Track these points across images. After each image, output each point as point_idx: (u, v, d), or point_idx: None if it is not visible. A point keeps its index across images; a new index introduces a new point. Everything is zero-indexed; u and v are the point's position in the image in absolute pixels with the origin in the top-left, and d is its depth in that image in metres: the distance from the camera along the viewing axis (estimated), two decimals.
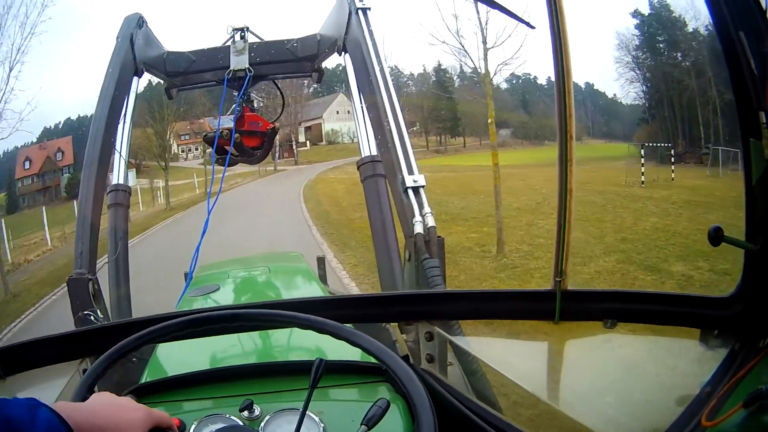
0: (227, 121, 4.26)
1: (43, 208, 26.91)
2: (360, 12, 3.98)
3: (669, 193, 20.58)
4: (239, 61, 4.34)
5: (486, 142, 49.56)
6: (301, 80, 33.03)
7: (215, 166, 4.34)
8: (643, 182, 23.59)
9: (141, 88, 4.45)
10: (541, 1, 1.83)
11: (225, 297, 3.48)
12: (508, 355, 2.25)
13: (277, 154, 43.68)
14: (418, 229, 3.21)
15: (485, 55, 14.15)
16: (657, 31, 38.34)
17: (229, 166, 4.40)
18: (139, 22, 4.37)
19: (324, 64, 4.71)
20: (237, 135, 4.20)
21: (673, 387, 1.88)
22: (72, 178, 35.49)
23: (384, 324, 2.72)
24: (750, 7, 1.42)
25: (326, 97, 53.99)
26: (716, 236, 1.58)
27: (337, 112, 53.58)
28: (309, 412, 1.48)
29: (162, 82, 4.89)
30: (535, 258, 12.27)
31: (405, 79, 54.40)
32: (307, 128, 54.46)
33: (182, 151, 49.99)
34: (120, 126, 4.09)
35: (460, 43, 14.75)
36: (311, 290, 3.68)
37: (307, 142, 54.83)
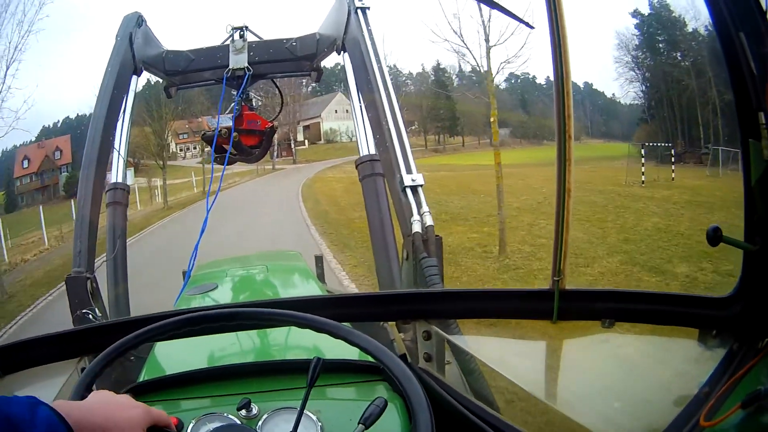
0: (226, 120, 4.26)
1: (40, 207, 26.77)
2: (359, 11, 3.98)
3: (670, 193, 20.53)
4: (238, 60, 4.34)
5: (484, 142, 49.69)
6: (299, 79, 33.02)
7: (214, 165, 4.34)
8: (643, 182, 23.55)
9: (139, 87, 4.45)
10: (540, 2, 1.83)
11: (223, 295, 3.48)
12: (506, 355, 2.25)
13: (275, 153, 43.62)
14: (416, 228, 3.21)
15: (488, 53, 13.88)
16: (657, 31, 38.37)
17: (227, 164, 4.40)
18: (139, 21, 4.37)
19: (323, 64, 4.71)
20: (236, 134, 4.20)
21: (672, 387, 1.88)
22: (70, 177, 35.48)
23: (382, 323, 2.72)
24: (750, 7, 1.42)
25: (325, 96, 54.00)
26: (715, 236, 1.58)
27: (336, 111, 53.61)
28: (306, 410, 1.48)
29: (161, 81, 4.89)
30: (537, 259, 12.16)
31: (404, 79, 54.51)
32: (306, 127, 54.47)
33: (180, 150, 50.01)
34: (119, 125, 4.10)
35: (462, 41, 14.48)
36: (309, 289, 3.68)
37: (306, 141, 54.84)
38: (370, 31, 3.95)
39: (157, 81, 5.12)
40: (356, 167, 3.89)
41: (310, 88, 50.64)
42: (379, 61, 3.83)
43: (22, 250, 22.74)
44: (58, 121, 41.09)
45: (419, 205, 3.33)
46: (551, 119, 1.94)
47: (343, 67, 4.20)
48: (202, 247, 3.93)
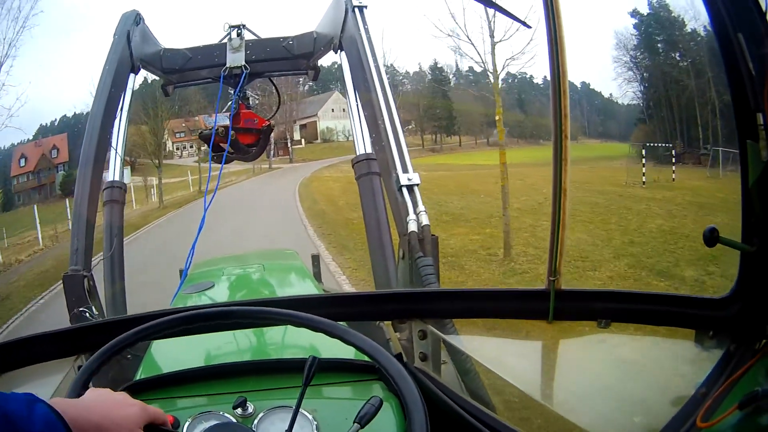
0: (223, 119, 4.27)
1: (35, 206, 26.66)
2: (356, 10, 3.99)
3: (671, 194, 20.51)
4: (235, 59, 4.35)
5: (481, 141, 49.70)
6: (296, 78, 32.92)
7: (211, 164, 4.34)
8: (644, 183, 23.54)
9: (136, 86, 4.45)
10: (538, 1, 1.84)
11: (219, 294, 3.48)
12: (502, 355, 2.25)
13: (272, 152, 43.60)
14: (413, 227, 3.23)
15: (492, 49, 13.68)
16: (655, 31, 38.36)
17: (225, 163, 4.40)
18: (136, 19, 4.38)
19: (320, 62, 4.71)
20: (233, 132, 4.20)
21: (668, 388, 1.88)
22: (67, 176, 35.36)
23: (378, 322, 2.73)
24: (749, 8, 1.42)
25: (321, 95, 53.86)
26: (711, 237, 1.58)
27: (333, 110, 53.48)
28: (302, 409, 1.48)
29: (157, 79, 4.89)
30: (543, 262, 11.49)
31: (401, 78, 54.39)
32: (302, 126, 54.33)
33: (177, 149, 49.90)
34: (116, 123, 4.10)
35: (467, 36, 14.27)
36: (305, 288, 3.68)
37: (302, 140, 54.71)
38: (367, 30, 3.96)
39: (154, 79, 5.12)
40: (353, 166, 3.90)
41: (306, 87, 50.52)
42: (375, 60, 3.84)
43: (16, 250, 22.62)
44: (56, 119, 41.05)
45: (415, 205, 3.34)
46: (548, 119, 1.94)
47: (340, 65, 4.20)
48: (197, 250, 3.93)
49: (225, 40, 4.45)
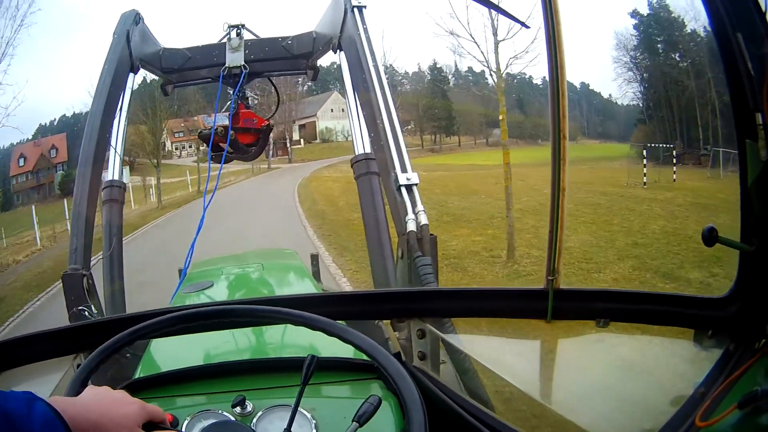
0: (222, 119, 4.27)
1: (33, 206, 26.53)
2: (355, 10, 3.99)
3: (672, 194, 20.44)
4: (234, 58, 4.35)
5: (480, 142, 49.68)
6: (295, 78, 32.89)
7: (210, 164, 4.35)
8: (645, 183, 23.49)
9: (135, 85, 4.45)
10: (536, 1, 1.84)
11: (218, 293, 3.48)
12: (501, 354, 2.26)
13: (270, 152, 43.59)
14: (411, 227, 3.23)
15: (496, 47, 13.25)
16: (655, 32, 38.34)
17: (224, 163, 4.40)
18: (136, 18, 4.39)
19: (319, 62, 4.71)
20: (232, 132, 4.21)
21: (667, 387, 1.88)
22: (66, 176, 35.36)
23: (376, 321, 2.73)
24: (748, 8, 1.42)
25: (320, 95, 53.87)
26: (710, 237, 1.58)
27: (332, 110, 53.49)
28: (301, 408, 1.48)
29: (156, 78, 4.89)
30: None
31: (400, 78, 54.39)
32: (301, 126, 54.34)
33: (176, 149, 49.92)
34: (116, 122, 4.11)
35: (470, 34, 14.10)
36: (304, 287, 3.69)
37: (301, 140, 54.71)
38: (366, 30, 3.96)
39: (153, 79, 5.13)
40: (351, 166, 3.90)
41: (305, 87, 50.52)
42: (374, 60, 3.85)
43: (15, 251, 22.51)
44: (55, 119, 41.03)
45: (414, 204, 3.34)
46: (547, 119, 1.95)
47: (339, 65, 4.20)
48: (197, 248, 3.93)
49: (224, 40, 4.45)
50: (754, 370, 1.58)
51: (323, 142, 54.13)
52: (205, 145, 4.31)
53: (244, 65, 4.32)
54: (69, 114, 40.55)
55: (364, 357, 1.64)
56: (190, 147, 48.22)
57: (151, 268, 10.49)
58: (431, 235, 3.24)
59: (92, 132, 3.89)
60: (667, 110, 36.39)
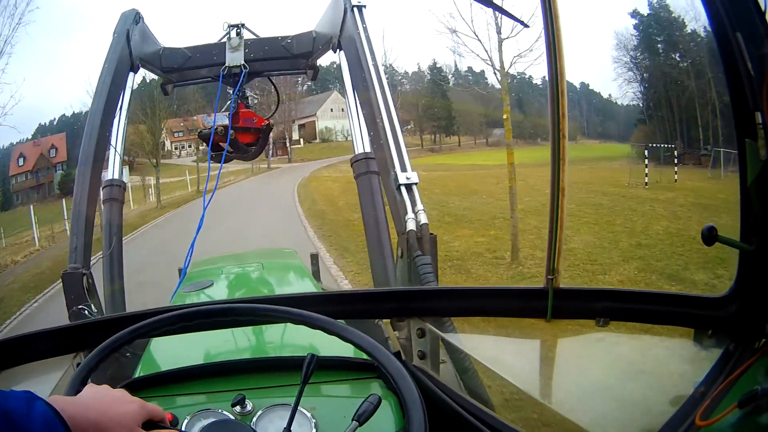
0: (222, 118, 4.27)
1: (31, 207, 26.42)
2: (355, 9, 3.99)
3: (674, 195, 20.39)
4: (234, 58, 4.35)
5: (480, 142, 49.61)
6: (294, 77, 32.83)
7: (210, 163, 4.35)
8: (646, 183, 23.46)
9: (134, 85, 4.45)
10: (535, 1, 1.84)
11: (218, 292, 3.49)
12: (500, 353, 2.26)
13: (270, 152, 43.55)
14: (411, 226, 3.23)
15: (500, 46, 13.26)
16: (655, 32, 38.30)
17: (224, 162, 4.40)
18: (136, 17, 4.39)
19: (318, 62, 4.71)
20: (232, 131, 4.21)
21: (667, 386, 1.88)
22: (65, 175, 35.32)
23: (376, 321, 2.73)
24: (747, 8, 1.42)
25: (320, 94, 53.78)
26: (710, 236, 1.58)
27: (331, 110, 53.42)
28: (301, 407, 1.49)
29: (155, 78, 4.89)
30: None
31: (399, 78, 54.36)
32: (301, 126, 54.27)
33: (176, 149, 49.88)
34: (115, 121, 4.11)
35: (474, 32, 13.97)
36: (304, 286, 3.69)
37: (301, 139, 54.66)
38: (365, 29, 3.96)
39: (152, 78, 5.13)
40: (351, 165, 3.90)
41: (305, 87, 50.43)
42: (374, 60, 3.85)
43: (13, 251, 22.45)
44: (55, 119, 40.98)
45: (414, 203, 3.34)
46: (546, 119, 1.95)
47: (339, 65, 4.21)
48: (197, 249, 3.93)
49: (224, 40, 4.45)
50: (754, 370, 1.57)
51: (323, 142, 54.04)
52: (204, 144, 4.30)
53: (244, 65, 4.32)
54: (69, 114, 40.54)
55: (364, 356, 1.64)
56: (190, 147, 48.15)
57: (150, 269, 10.42)
58: (431, 234, 3.24)
59: (92, 131, 3.89)
60: (667, 110, 36.35)
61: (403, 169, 3.46)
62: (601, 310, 2.01)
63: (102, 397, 1.31)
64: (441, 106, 52.43)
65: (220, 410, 1.63)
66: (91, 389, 1.36)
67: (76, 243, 3.63)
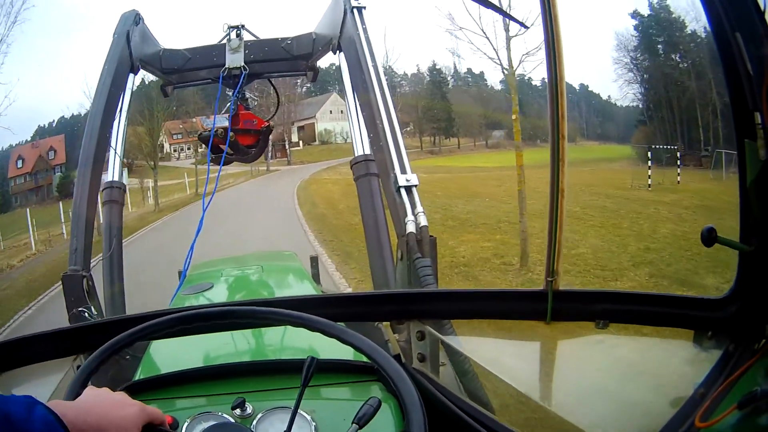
0: (222, 120, 4.27)
1: (27, 210, 26.34)
2: (355, 11, 3.99)
3: (678, 197, 20.30)
4: (234, 59, 4.35)
5: (480, 144, 49.57)
6: (293, 79, 32.88)
7: (210, 165, 4.35)
8: (649, 185, 23.38)
9: (134, 86, 4.45)
10: (535, 2, 1.84)
11: (218, 295, 3.48)
12: (500, 355, 2.26)
13: (269, 154, 43.50)
14: (411, 228, 3.22)
15: (508, 44, 13.33)
16: (656, 33, 38.27)
17: (224, 165, 4.40)
18: (136, 18, 4.39)
19: (318, 64, 4.71)
20: (232, 133, 4.21)
21: (667, 388, 1.88)
22: (64, 178, 35.27)
23: (376, 323, 2.73)
24: (747, 8, 1.42)
25: (319, 96, 53.69)
26: (710, 237, 1.58)
27: (331, 112, 53.33)
28: (301, 410, 1.48)
29: (154, 80, 4.90)
30: (566, 273, 10.15)
31: (399, 79, 54.29)
32: (300, 128, 54.19)
33: (174, 151, 49.82)
34: (115, 123, 4.11)
35: (482, 29, 13.83)
36: (304, 289, 3.69)
37: (300, 142, 54.61)
38: (365, 31, 3.96)
39: (151, 80, 5.14)
40: (351, 167, 3.90)
41: (304, 89, 50.43)
42: (374, 61, 3.84)
43: (10, 254, 22.33)
44: (54, 120, 40.94)
45: (413, 206, 3.33)
46: (545, 120, 1.95)
47: (338, 67, 4.20)
48: (196, 252, 3.93)
49: (224, 41, 4.45)
50: (754, 371, 1.58)
51: (322, 144, 53.95)
52: (204, 146, 4.30)
53: (243, 66, 4.33)
54: (68, 116, 40.51)
55: (364, 359, 1.64)
56: (189, 149, 48.10)
57: (147, 275, 10.35)
58: (431, 236, 3.24)
59: (92, 133, 3.90)
60: (667, 111, 36.30)
61: (403, 171, 3.45)
62: (600, 312, 2.01)
63: (102, 401, 1.32)
64: (440, 108, 52.37)
65: (220, 413, 1.63)
66: (91, 392, 1.36)
67: (76, 245, 3.62)
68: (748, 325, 1.64)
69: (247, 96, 4.65)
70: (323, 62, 4.94)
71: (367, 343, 1.59)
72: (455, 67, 54.60)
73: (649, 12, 38.88)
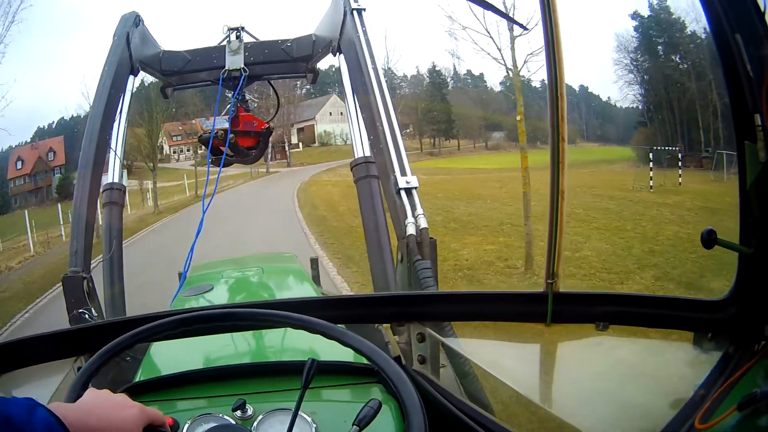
0: (222, 122, 4.26)
1: (26, 212, 26.33)
2: (355, 12, 3.99)
3: (680, 198, 20.22)
4: (234, 61, 4.35)
5: (480, 145, 49.54)
6: (293, 81, 32.89)
7: (210, 167, 4.35)
8: (651, 187, 23.25)
9: (134, 88, 4.45)
10: (534, 3, 1.85)
11: (218, 297, 3.48)
12: (500, 357, 2.26)
13: (269, 156, 43.47)
14: (411, 230, 3.22)
15: (512, 44, 13.36)
16: (656, 34, 38.25)
17: (224, 166, 4.40)
18: (136, 20, 4.39)
19: (318, 65, 4.71)
20: (232, 135, 4.20)
21: (666, 390, 1.87)
22: (63, 179, 35.26)
23: (376, 325, 2.73)
24: (746, 9, 1.42)
25: (319, 98, 53.64)
26: (709, 239, 1.58)
27: (330, 114, 53.31)
28: (301, 412, 1.48)
29: (153, 81, 4.89)
30: (569, 276, 10.74)
31: (398, 81, 54.26)
32: (300, 130, 54.15)
33: (174, 152, 49.78)
34: (115, 125, 4.11)
35: (486, 29, 13.75)
36: (304, 291, 3.69)
37: (300, 143, 54.57)
38: (365, 33, 3.96)
39: (150, 81, 5.14)
40: (351, 169, 3.89)
41: (304, 90, 50.42)
42: (374, 63, 3.84)
43: (9, 256, 22.38)
44: (53, 122, 40.91)
45: (413, 208, 3.33)
46: (545, 122, 1.95)
47: (338, 68, 4.20)
48: (196, 254, 3.93)
49: (224, 43, 4.45)
50: (754, 372, 1.58)
51: (322, 146, 53.89)
52: (204, 148, 4.30)
53: (243, 68, 4.32)
54: (67, 117, 40.47)
55: (364, 361, 1.64)
56: (188, 150, 48.06)
57: (147, 276, 10.30)
58: (431, 238, 3.24)
59: (92, 134, 3.89)
60: (667, 112, 36.24)
61: (403, 173, 3.45)
62: (600, 314, 2.01)
63: (102, 403, 1.32)
64: (440, 110, 52.31)
65: (220, 415, 1.63)
66: (91, 394, 1.36)
67: (77, 246, 3.62)
68: (748, 326, 1.65)
69: (247, 98, 4.64)
70: (323, 64, 4.93)
71: (368, 345, 1.60)
72: (455, 68, 54.62)
73: (649, 13, 38.88)
